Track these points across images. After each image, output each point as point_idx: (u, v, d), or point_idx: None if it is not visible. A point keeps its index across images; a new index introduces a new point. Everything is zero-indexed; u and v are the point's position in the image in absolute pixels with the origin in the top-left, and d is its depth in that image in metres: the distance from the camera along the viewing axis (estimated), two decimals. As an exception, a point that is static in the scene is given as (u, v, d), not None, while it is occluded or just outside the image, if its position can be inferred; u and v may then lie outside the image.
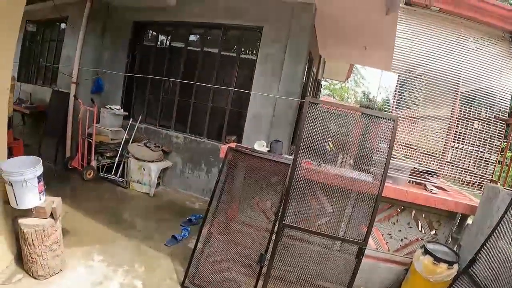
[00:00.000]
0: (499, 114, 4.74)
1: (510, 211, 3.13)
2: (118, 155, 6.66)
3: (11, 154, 3.31)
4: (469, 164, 5.16)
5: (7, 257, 3.28)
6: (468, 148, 4.99)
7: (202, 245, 3.69)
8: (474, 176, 4.97)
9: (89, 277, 3.44)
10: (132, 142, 6.73)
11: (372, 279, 4.26)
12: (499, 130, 4.76)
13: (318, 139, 3.17)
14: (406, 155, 5.29)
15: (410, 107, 5.39)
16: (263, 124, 6.01)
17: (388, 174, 4.22)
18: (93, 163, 6.41)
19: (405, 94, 5.58)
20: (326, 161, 3.35)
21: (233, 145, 4.02)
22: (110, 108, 6.78)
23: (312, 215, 3.42)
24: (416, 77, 5.40)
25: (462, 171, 5.19)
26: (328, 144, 3.42)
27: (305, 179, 3.21)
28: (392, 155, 3.90)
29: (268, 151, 4.07)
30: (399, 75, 6.33)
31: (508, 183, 4.14)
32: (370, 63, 11.21)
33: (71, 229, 4.21)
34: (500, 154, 4.61)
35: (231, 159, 3.76)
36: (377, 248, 4.33)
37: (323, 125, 3.16)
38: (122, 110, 7.00)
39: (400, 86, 5.60)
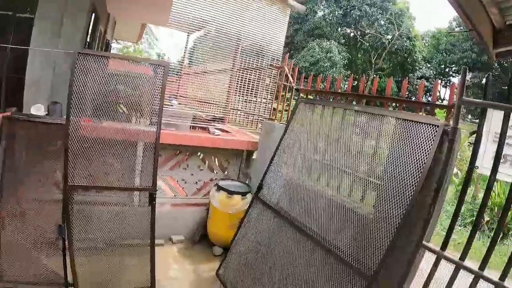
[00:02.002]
0: (273, 63, 5.55)
1: (284, 138, 3.63)
2: None
3: None
4: (249, 108, 5.96)
5: None
6: (249, 94, 5.73)
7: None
8: (254, 117, 5.79)
9: None
10: None
11: (178, 225, 4.51)
12: (273, 75, 5.58)
13: (98, 95, 3.08)
14: (197, 107, 5.71)
15: (200, 63, 5.80)
16: (43, 90, 5.32)
17: (170, 122, 4.52)
18: None
19: (195, 52, 5.93)
20: (115, 119, 3.25)
21: (8, 113, 3.46)
22: None
23: (101, 173, 3.30)
24: (203, 36, 5.80)
25: (244, 114, 5.97)
26: (120, 106, 3.34)
27: (86, 137, 3.08)
28: (167, 104, 4.12)
29: (47, 114, 3.74)
30: (188, 34, 6.64)
31: (282, 120, 4.91)
32: (161, 22, 10.90)
33: None
34: (276, 98, 5.37)
35: (7, 130, 3.26)
36: (175, 195, 4.62)
37: (101, 81, 3.06)
38: None
39: (192, 45, 5.92)
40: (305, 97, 4.27)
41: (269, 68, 5.59)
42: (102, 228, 3.32)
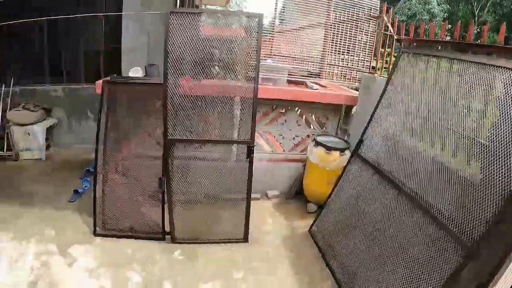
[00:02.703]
0: (370, 13, 5.08)
1: (386, 92, 3.41)
2: (-2, 128, 5.96)
3: None
4: (347, 62, 5.57)
5: None
6: (346, 48, 5.34)
7: (101, 189, 3.62)
8: (352, 71, 5.40)
9: (3, 258, 3.23)
10: (9, 110, 6.07)
11: (274, 180, 4.56)
12: (371, 27, 5.11)
13: (191, 52, 3.14)
14: (292, 64, 5.49)
15: (292, 21, 5.51)
16: (140, 55, 5.69)
17: (266, 76, 4.41)
18: (-29, 148, 5.66)
19: (286, 8, 5.66)
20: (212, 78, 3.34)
21: (108, 78, 3.75)
22: (-30, 83, 5.93)
23: (199, 128, 3.44)
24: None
25: (342, 68, 5.60)
26: (215, 68, 3.39)
27: (185, 95, 3.20)
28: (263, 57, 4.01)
29: (144, 76, 3.93)
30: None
31: (382, 74, 4.54)
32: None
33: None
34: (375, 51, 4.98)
35: (108, 93, 3.53)
36: (272, 151, 4.58)
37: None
38: (-16, 81, 6.14)
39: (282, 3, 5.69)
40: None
41: (367, 19, 5.16)
42: (200, 182, 3.51)
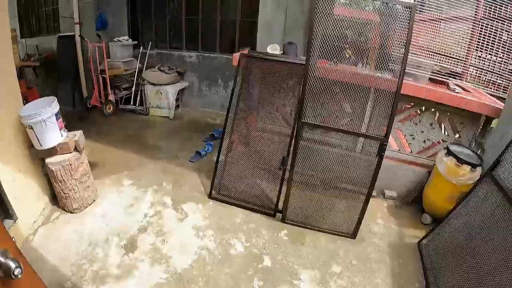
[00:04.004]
0: None
1: None
2: (134, 84, 6.63)
3: (27, 102, 3.37)
4: (494, 66, 4.90)
5: (42, 199, 3.41)
6: (493, 49, 4.70)
7: (224, 156, 3.77)
8: (500, 78, 4.75)
9: (121, 201, 3.62)
10: (145, 70, 6.70)
11: (395, 181, 4.27)
12: None
13: (333, 36, 2.98)
14: (429, 58, 5.03)
15: (434, 8, 4.99)
16: (275, 32, 5.77)
17: (408, 71, 4.06)
18: (111, 97, 6.40)
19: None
20: (343, 62, 3.19)
21: (245, 52, 3.85)
22: (118, 40, 6.67)
23: (332, 114, 3.36)
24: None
25: (487, 73, 4.94)
26: (347, 51, 3.26)
27: (321, 78, 3.09)
28: (411, 52, 3.72)
29: (282, 54, 3.93)
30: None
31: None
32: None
33: (99, 161, 4.35)
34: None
35: (244, 66, 3.62)
36: (399, 150, 4.26)
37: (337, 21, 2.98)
38: (130, 40, 6.88)
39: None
40: None
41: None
42: (322, 167, 3.42)
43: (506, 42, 4.59)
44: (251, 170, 3.68)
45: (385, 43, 3.01)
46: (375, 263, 3.24)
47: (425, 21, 4.97)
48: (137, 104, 6.62)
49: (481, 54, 4.85)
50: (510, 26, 4.51)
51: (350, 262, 3.21)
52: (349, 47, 3.22)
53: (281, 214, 3.57)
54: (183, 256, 2.98)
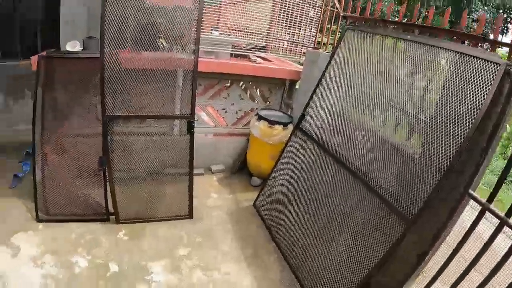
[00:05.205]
0: None
1: (329, 67, 3.42)
2: None
3: None
4: (293, 36, 5.55)
5: None
6: (292, 22, 5.28)
7: (41, 172, 3.41)
8: (298, 46, 5.40)
9: None
10: None
11: (218, 155, 4.53)
12: (318, 2, 5.07)
13: (130, 24, 2.97)
14: (239, 36, 5.39)
15: None
16: (79, 28, 5.23)
17: (210, 50, 4.32)
18: None
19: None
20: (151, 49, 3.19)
21: (43, 53, 3.48)
22: None
23: (140, 103, 3.32)
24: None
25: (287, 43, 5.57)
26: (161, 41, 3.25)
27: (124, 68, 3.04)
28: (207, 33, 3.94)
29: (83, 50, 3.69)
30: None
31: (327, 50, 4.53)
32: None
33: None
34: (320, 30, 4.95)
35: (45, 69, 3.28)
36: (215, 125, 4.53)
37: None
38: None
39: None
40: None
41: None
42: (142, 158, 3.40)
43: (297, 17, 5.22)
44: (73, 179, 3.40)
45: (185, 25, 3.14)
46: (220, 234, 3.41)
47: (234, 3, 5.34)
48: None
49: (281, 27, 5.45)
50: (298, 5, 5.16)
51: (195, 240, 3.30)
52: (162, 36, 3.23)
53: (114, 216, 3.44)
54: (29, 292, 2.61)
